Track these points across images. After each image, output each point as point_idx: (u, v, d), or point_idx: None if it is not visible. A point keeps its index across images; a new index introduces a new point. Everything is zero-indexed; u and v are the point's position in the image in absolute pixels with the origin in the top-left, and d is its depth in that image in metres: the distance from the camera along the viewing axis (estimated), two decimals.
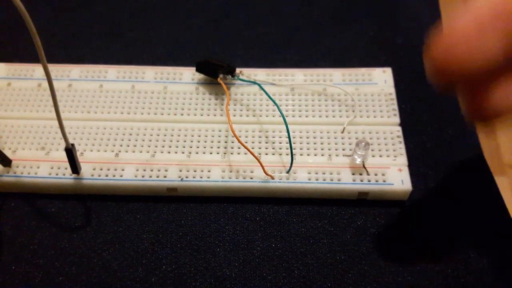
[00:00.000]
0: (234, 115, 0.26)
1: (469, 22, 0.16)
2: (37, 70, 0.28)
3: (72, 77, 0.28)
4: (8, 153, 0.24)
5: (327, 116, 0.26)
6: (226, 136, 0.25)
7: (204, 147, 0.25)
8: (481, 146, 0.26)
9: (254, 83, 0.26)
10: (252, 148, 0.25)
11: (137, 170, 0.24)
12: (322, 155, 0.24)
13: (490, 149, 0.26)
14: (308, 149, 0.25)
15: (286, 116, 0.25)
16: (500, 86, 0.17)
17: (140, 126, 0.26)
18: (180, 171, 0.24)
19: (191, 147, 0.25)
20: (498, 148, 0.27)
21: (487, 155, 0.25)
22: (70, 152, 0.22)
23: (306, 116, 0.26)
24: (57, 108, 0.20)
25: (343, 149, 0.25)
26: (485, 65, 0.16)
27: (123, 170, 0.24)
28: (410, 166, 0.24)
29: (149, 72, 0.28)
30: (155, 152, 0.25)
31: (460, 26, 0.16)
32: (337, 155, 0.24)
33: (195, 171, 0.24)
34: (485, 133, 0.26)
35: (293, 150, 0.24)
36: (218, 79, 0.26)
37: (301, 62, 0.30)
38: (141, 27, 0.32)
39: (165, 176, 0.24)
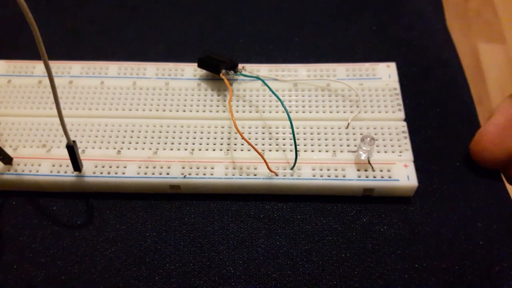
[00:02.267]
0: (237, 111, 0.26)
1: (492, 126, 0.23)
2: (37, 66, 0.27)
3: (73, 73, 0.27)
4: (9, 151, 0.24)
5: (331, 112, 0.26)
6: (229, 133, 0.25)
7: (207, 144, 0.24)
8: None
9: (257, 78, 0.26)
10: (256, 144, 0.24)
11: (140, 167, 0.24)
12: (327, 151, 0.24)
13: None
14: (312, 145, 0.24)
15: (290, 112, 0.24)
16: None
17: (142, 123, 0.25)
18: (183, 168, 0.24)
19: (193, 144, 0.25)
20: None
21: None
22: (71, 149, 0.22)
23: (310, 112, 0.26)
24: (58, 105, 0.20)
25: (348, 145, 0.24)
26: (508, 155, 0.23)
27: (125, 167, 0.24)
28: (416, 161, 0.24)
29: (151, 68, 0.27)
30: (157, 149, 0.24)
31: (486, 130, 0.23)
32: (341, 151, 0.24)
33: (198, 168, 0.24)
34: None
35: (297, 146, 0.24)
36: (221, 74, 0.26)
37: (304, 57, 0.29)
38: (143, 23, 0.32)
39: (167, 173, 0.23)
